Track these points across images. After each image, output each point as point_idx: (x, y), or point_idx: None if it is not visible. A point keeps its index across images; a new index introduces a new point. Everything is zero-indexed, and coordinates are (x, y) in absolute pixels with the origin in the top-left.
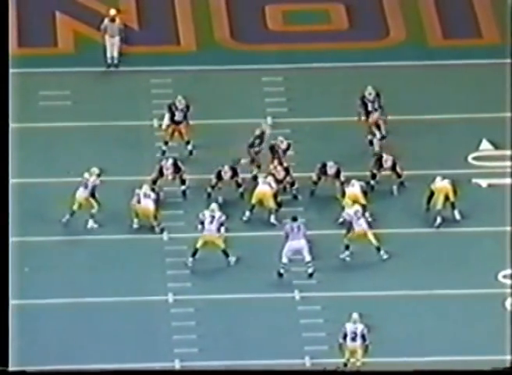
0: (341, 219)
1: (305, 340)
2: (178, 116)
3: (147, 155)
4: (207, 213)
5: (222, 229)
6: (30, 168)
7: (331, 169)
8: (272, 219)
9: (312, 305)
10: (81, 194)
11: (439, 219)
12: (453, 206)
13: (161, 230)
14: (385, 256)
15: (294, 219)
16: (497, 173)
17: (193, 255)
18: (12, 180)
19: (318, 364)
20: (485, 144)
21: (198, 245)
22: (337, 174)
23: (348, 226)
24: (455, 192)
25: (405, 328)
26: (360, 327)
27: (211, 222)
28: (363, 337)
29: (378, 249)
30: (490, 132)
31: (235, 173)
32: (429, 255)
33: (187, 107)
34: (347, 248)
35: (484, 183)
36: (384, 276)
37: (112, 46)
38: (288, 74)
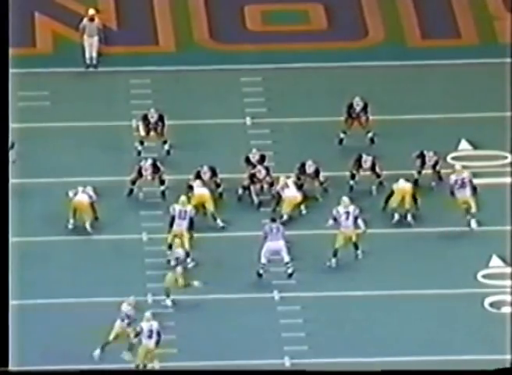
0: (330, 221)
1: (284, 340)
2: (152, 127)
3: (125, 155)
4: (341, 209)
5: (359, 221)
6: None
7: (310, 168)
8: (219, 221)
9: (292, 305)
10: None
11: (396, 216)
12: (406, 211)
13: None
14: (360, 256)
15: (273, 220)
16: (476, 173)
17: (335, 254)
18: (12, 180)
19: (298, 364)
20: (464, 144)
21: (337, 245)
22: (316, 173)
23: (333, 222)
24: (415, 199)
25: (384, 328)
26: (154, 324)
27: (347, 218)
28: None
29: (356, 248)
30: (469, 132)
31: (214, 174)
32: (408, 256)
33: (161, 118)
34: (335, 254)
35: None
36: (363, 277)
37: (91, 46)
38: (267, 74)
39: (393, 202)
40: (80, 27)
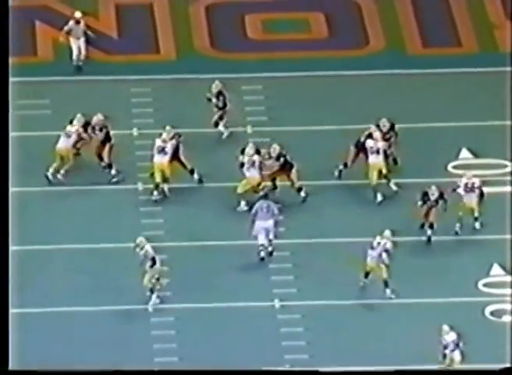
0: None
1: (285, 348)
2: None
3: (126, 163)
4: (374, 242)
5: (384, 255)
6: (30, 176)
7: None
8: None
9: (292, 314)
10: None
11: (379, 196)
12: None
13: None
14: (390, 295)
15: (265, 196)
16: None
17: (366, 276)
18: (12, 189)
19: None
20: (465, 153)
21: (367, 269)
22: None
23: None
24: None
25: (384, 337)
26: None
27: (373, 248)
28: None
29: (386, 285)
30: (470, 141)
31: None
32: (409, 265)
33: (106, 127)
34: (367, 275)
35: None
36: (365, 285)
37: (78, 48)
38: (268, 83)
39: (373, 179)
40: (64, 29)
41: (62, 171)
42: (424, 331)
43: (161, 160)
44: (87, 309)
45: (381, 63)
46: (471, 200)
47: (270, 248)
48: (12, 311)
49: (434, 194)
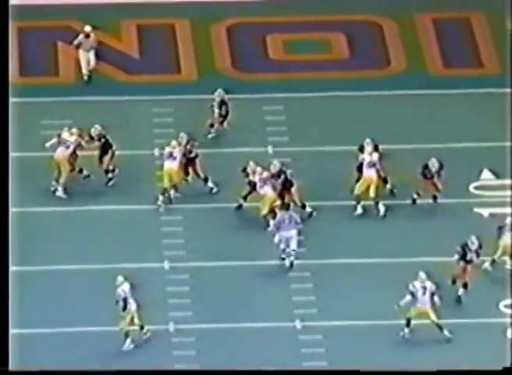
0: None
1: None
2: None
3: (147, 183)
4: (417, 284)
5: (436, 298)
6: (30, 196)
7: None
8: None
9: (313, 334)
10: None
11: (359, 209)
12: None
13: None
14: (448, 335)
15: (287, 207)
16: (498, 202)
17: (408, 324)
18: (12, 209)
19: None
20: (486, 174)
21: (411, 315)
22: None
23: (411, 297)
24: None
25: (411, 356)
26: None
27: (424, 293)
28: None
29: (440, 328)
30: (491, 161)
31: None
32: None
33: (104, 136)
34: (408, 323)
35: (485, 212)
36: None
37: (88, 60)
38: (289, 103)
39: (356, 188)
40: (74, 43)
41: (59, 187)
42: (447, 352)
43: (169, 165)
44: (91, 329)
45: (402, 84)
46: (507, 240)
47: (292, 258)
48: (12, 331)
49: (474, 243)
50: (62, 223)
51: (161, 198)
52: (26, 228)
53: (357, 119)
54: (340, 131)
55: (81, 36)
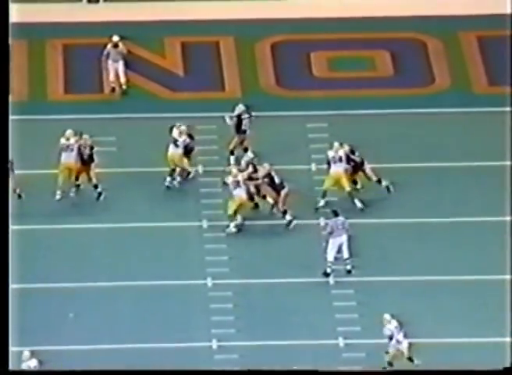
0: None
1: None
2: (86, 156)
3: (191, 201)
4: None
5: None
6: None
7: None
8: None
9: (356, 352)
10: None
11: (321, 202)
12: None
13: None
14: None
15: (336, 214)
16: None
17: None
18: (12, 227)
19: None
20: None
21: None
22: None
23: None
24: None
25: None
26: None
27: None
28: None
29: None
30: None
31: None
32: (439, 303)
33: (91, 148)
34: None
35: None
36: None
37: (116, 70)
38: (333, 121)
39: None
40: (103, 53)
41: (57, 195)
42: None
43: (172, 151)
44: (101, 347)
45: (446, 102)
46: None
47: (349, 267)
48: (12, 349)
49: None
50: (61, 241)
51: (168, 178)
52: (26, 245)
53: (401, 136)
54: (384, 148)
55: (109, 46)
